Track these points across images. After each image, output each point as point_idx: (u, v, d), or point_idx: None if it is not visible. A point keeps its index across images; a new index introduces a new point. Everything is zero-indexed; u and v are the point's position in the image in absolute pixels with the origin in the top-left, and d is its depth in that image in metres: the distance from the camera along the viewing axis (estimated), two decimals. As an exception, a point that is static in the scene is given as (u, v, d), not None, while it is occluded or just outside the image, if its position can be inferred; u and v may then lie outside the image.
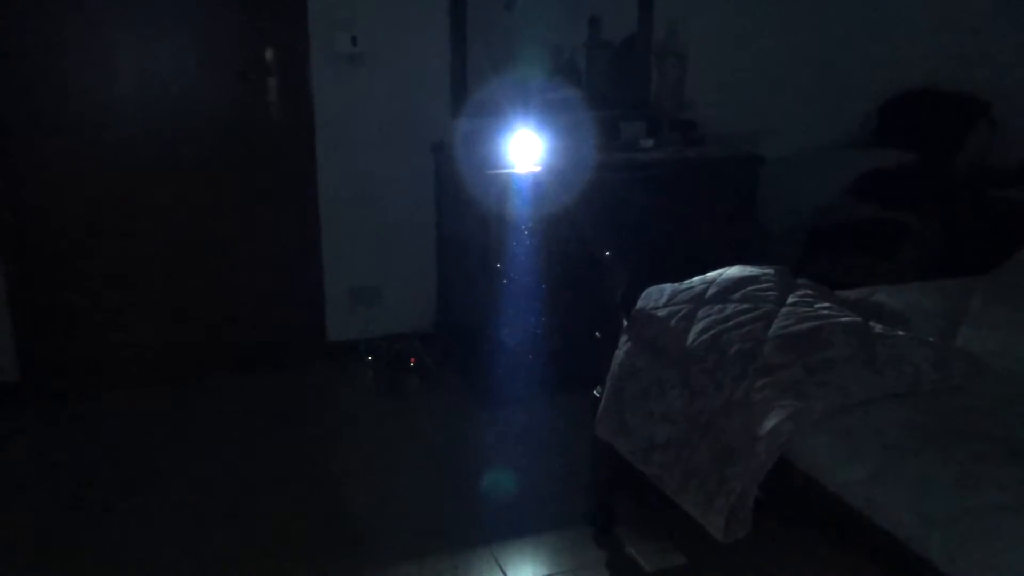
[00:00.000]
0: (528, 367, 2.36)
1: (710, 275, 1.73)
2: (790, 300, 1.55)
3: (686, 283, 1.71)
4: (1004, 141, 2.81)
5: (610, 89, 2.65)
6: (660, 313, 1.65)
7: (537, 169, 2.35)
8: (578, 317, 2.26)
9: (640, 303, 1.73)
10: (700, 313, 1.61)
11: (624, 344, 1.67)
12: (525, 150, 2.33)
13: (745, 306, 1.57)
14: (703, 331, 1.54)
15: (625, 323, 1.76)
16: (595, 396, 1.74)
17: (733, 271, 1.72)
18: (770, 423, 1.26)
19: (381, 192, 2.69)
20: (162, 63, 2.21)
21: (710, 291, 1.65)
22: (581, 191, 2.33)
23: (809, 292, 1.59)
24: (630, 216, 2.44)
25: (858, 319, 1.41)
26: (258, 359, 2.57)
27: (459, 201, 2.52)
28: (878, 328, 1.38)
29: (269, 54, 2.30)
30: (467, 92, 2.53)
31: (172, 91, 2.23)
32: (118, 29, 2.15)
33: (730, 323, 1.52)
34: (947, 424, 1.13)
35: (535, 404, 2.36)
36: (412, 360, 2.59)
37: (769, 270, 1.68)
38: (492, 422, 2.29)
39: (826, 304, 1.52)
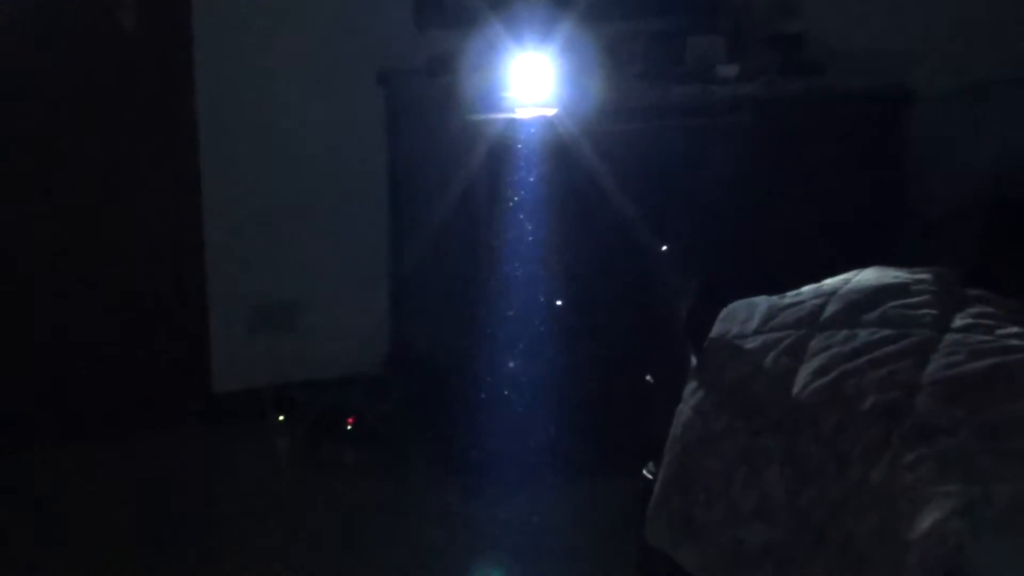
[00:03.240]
0: (538, 431, 2.37)
1: (829, 283, 1.76)
2: (957, 323, 1.56)
3: (791, 295, 1.75)
4: None
5: (667, -16, 2.73)
6: (750, 344, 1.68)
7: (551, 113, 2.37)
8: (617, 351, 2.28)
9: (718, 328, 1.76)
10: (814, 344, 1.62)
11: (693, 394, 1.70)
12: (532, 83, 2.38)
13: (886, 333, 1.58)
14: (819, 373, 1.55)
15: (694, 360, 1.77)
16: (645, 478, 1.79)
17: (866, 277, 1.75)
18: (928, 520, 1.28)
19: (300, 152, 2.71)
20: None
21: (829, 309, 1.67)
22: (622, 149, 2.35)
23: (988, 310, 1.60)
24: (700, 188, 2.45)
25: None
26: (96, 423, 2.61)
27: (426, 167, 2.57)
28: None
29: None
30: (440, -13, 2.59)
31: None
32: None
33: (861, 360, 1.53)
34: None
35: (548, 491, 2.41)
36: (350, 421, 2.62)
37: (924, 275, 1.72)
38: (480, 523, 2.32)
39: (1014, 330, 1.53)
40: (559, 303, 2.39)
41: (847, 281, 1.76)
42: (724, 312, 1.81)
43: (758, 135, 2.53)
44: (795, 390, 1.57)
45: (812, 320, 1.67)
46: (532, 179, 2.32)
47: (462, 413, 2.42)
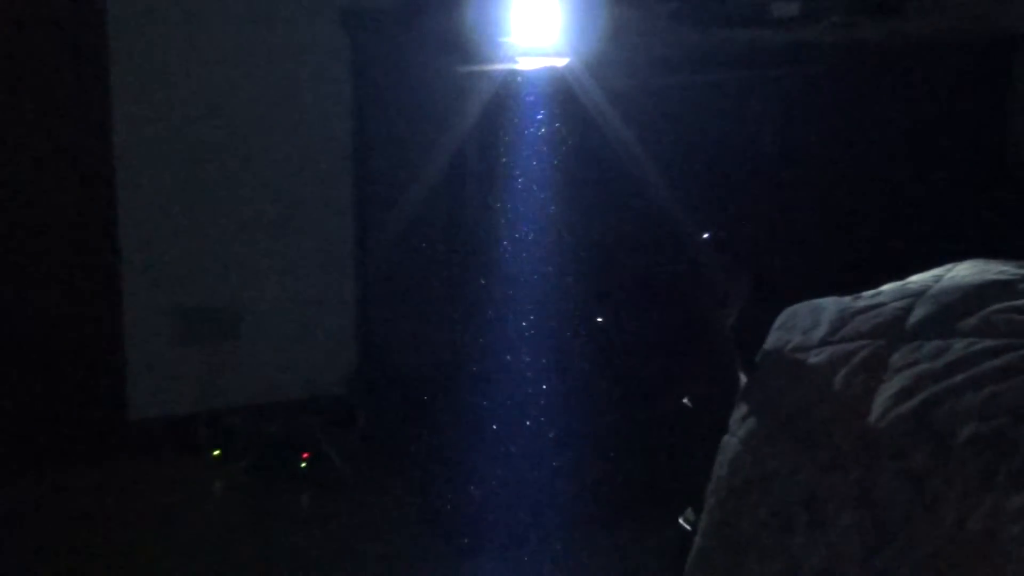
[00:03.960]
0: (544, 469, 2.38)
1: (916, 281, 1.78)
2: (1080, 331, 1.55)
3: (867, 296, 1.76)
4: None
5: None
6: (815, 358, 1.69)
7: (561, 64, 2.37)
8: (646, 368, 2.30)
9: (775, 337, 1.78)
10: (896, 359, 1.63)
11: (742, 422, 1.71)
12: (538, 26, 2.40)
13: (987, 344, 1.58)
14: (903, 396, 1.56)
15: (743, 379, 1.79)
16: (682, 529, 1.81)
17: (963, 273, 1.76)
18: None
19: (241, 123, 2.73)
20: None
21: (916, 314, 1.68)
22: (651, 110, 2.36)
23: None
24: (751, 160, 2.46)
25: None
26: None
27: (402, 135, 2.58)
28: None
29: None
30: None
31: None
32: None
33: (957, 379, 1.54)
34: None
35: (558, 549, 2.41)
36: (305, 456, 2.65)
37: (1038, 270, 1.71)
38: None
39: None
40: (573, 306, 2.39)
41: (938, 278, 1.76)
42: (782, 317, 1.82)
43: (823, 92, 2.53)
44: (873, 417, 1.58)
45: (894, 328, 1.68)
46: (538, 150, 2.31)
47: (447, 447, 2.42)
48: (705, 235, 1.76)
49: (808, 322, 1.77)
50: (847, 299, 1.79)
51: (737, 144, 2.48)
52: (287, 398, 2.80)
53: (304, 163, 2.80)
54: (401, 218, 2.62)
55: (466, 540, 2.45)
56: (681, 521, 1.80)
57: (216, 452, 2.67)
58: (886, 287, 1.79)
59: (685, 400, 1.82)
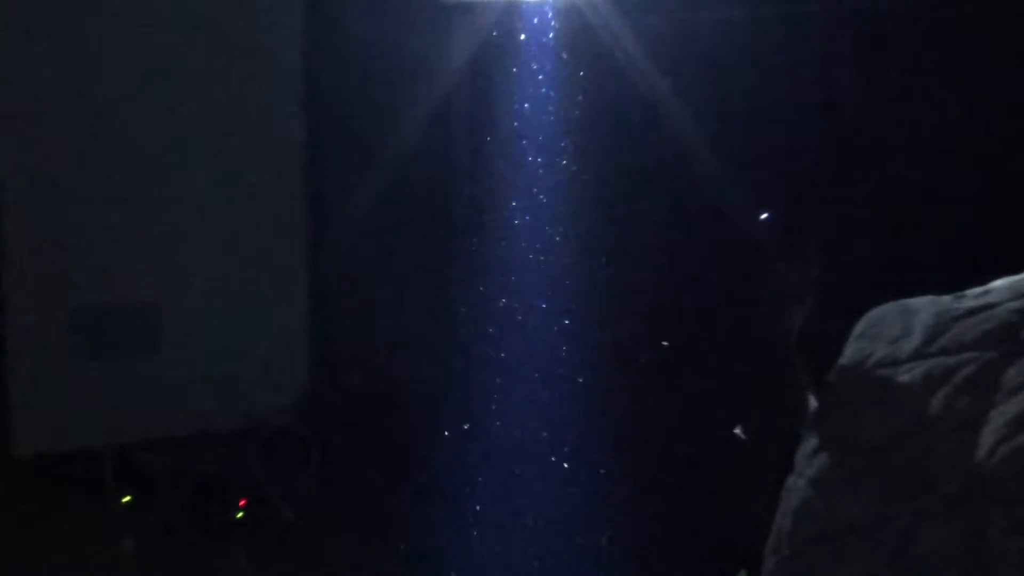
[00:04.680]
0: (556, 520, 2.37)
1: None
2: None
3: (972, 295, 1.77)
4: None
5: None
6: (906, 375, 1.71)
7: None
8: (686, 388, 2.29)
9: (854, 348, 1.78)
10: (1011, 376, 1.63)
11: (812, 458, 1.72)
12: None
13: None
14: (1019, 424, 1.56)
15: (813, 402, 1.78)
16: None
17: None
18: None
19: (156, 76, 2.72)
20: None
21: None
22: (692, 54, 2.35)
23: None
24: (820, 118, 2.46)
25: None
26: None
27: (370, 87, 2.58)
28: None
29: None
30: None
31: None
32: None
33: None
34: None
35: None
36: (242, 503, 2.65)
37: None
38: None
39: None
40: (591, 309, 2.39)
41: (1063, 275, 1.77)
42: (863, 323, 1.81)
43: (914, 33, 2.49)
44: (981, 451, 1.56)
45: (1009, 336, 1.67)
46: (544, 104, 2.30)
47: (429, 493, 2.41)
48: (762, 215, 1.75)
49: (897, 329, 1.76)
50: (947, 299, 1.78)
51: (801, 97, 2.46)
52: (220, 428, 2.78)
53: (243, 129, 2.80)
54: (369, 200, 2.65)
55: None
56: (737, 584, 1.85)
57: (126, 498, 2.65)
58: (997, 283, 1.78)
59: (737, 430, 1.82)
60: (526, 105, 2.34)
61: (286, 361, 2.86)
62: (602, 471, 2.42)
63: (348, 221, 2.76)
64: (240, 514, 2.62)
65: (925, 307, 1.77)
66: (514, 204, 2.36)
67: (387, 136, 2.50)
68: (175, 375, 2.80)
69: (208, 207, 2.80)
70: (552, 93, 2.35)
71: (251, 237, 2.82)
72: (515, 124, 2.34)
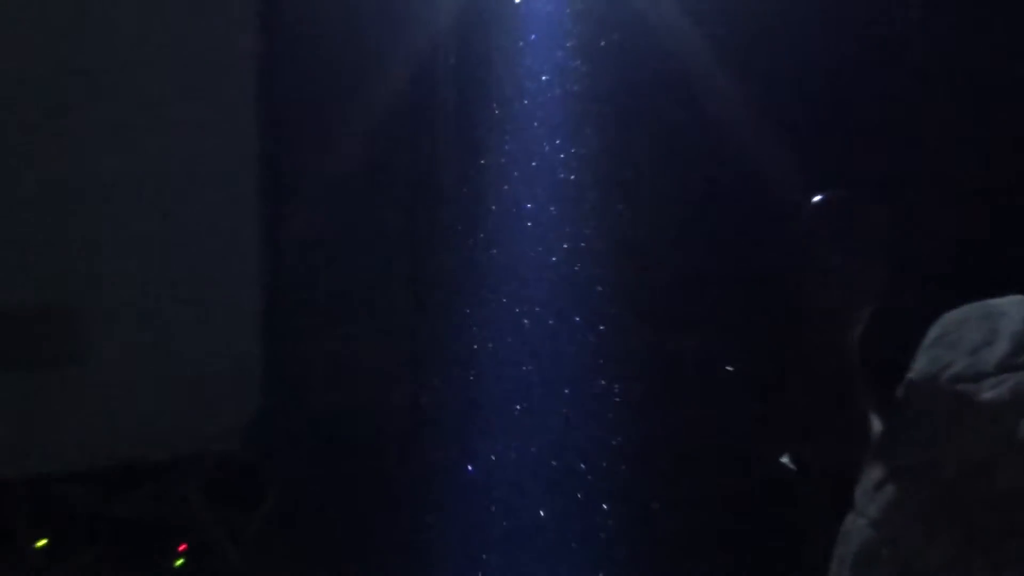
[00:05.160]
0: (561, 556, 2.38)
1: None
2: None
3: None
4: None
5: None
6: (991, 391, 1.69)
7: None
8: (720, 409, 2.32)
9: (927, 358, 1.78)
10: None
11: (875, 494, 1.73)
12: None
13: None
14: None
15: (876, 424, 1.78)
16: None
17: None
18: None
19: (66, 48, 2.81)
20: None
21: None
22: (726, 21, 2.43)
23: None
24: (889, 80, 2.49)
25: None
26: None
27: (330, 61, 2.68)
28: None
29: None
30: None
31: None
32: None
33: None
34: None
35: None
36: (181, 547, 2.64)
37: None
38: None
39: None
40: (599, 318, 2.37)
41: None
42: (937, 328, 1.80)
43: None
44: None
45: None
46: (543, 75, 2.33)
47: (405, 530, 2.43)
48: (816, 199, 1.73)
49: (979, 336, 1.74)
50: (1037, 298, 1.65)
51: (867, 55, 2.49)
52: (154, 457, 2.73)
53: (184, 109, 2.84)
54: (323, 185, 2.71)
55: None
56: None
57: (40, 542, 2.60)
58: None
59: (784, 459, 1.82)
60: (520, 77, 2.42)
61: (235, 377, 2.82)
62: (617, 514, 2.43)
63: (306, 227, 2.79)
64: (179, 561, 2.55)
65: (1014, 309, 1.76)
66: (505, 186, 2.45)
67: (350, 112, 2.61)
68: (99, 394, 2.74)
69: (138, 199, 2.81)
70: (553, 62, 2.40)
71: (191, 231, 2.82)
72: (507, 97, 2.45)
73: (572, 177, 2.42)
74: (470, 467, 2.42)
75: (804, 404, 1.83)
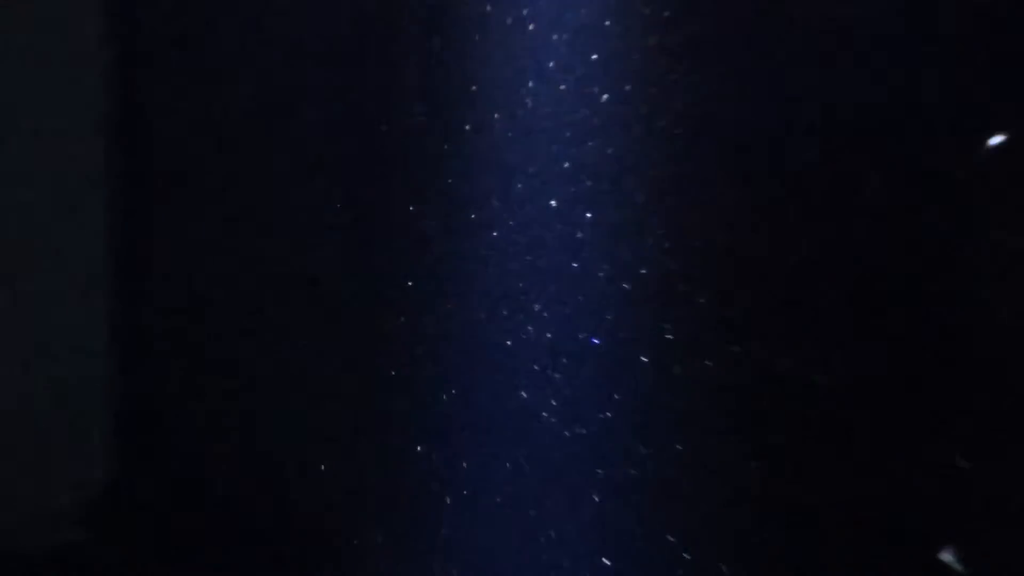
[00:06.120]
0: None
1: None
2: None
3: None
4: None
5: None
6: None
7: None
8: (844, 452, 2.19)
9: None
10: None
11: None
12: None
13: None
14: None
15: None
16: None
17: None
18: None
19: None
20: None
21: None
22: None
23: None
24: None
25: None
26: None
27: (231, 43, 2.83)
28: None
29: None
30: None
31: None
32: None
33: None
34: None
35: None
36: None
37: None
38: None
39: None
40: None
41: None
42: None
43: None
44: None
45: None
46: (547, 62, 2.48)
47: None
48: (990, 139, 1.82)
49: None
50: None
51: None
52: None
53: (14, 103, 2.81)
54: (206, 212, 2.69)
55: None
56: None
57: None
58: None
59: (947, 557, 1.79)
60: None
61: (74, 446, 2.75)
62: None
63: (176, 246, 2.80)
64: None
65: None
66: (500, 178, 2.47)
67: (233, 121, 2.70)
68: None
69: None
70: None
71: (23, 260, 2.83)
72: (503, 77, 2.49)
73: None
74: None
75: (953, 411, 1.87)
